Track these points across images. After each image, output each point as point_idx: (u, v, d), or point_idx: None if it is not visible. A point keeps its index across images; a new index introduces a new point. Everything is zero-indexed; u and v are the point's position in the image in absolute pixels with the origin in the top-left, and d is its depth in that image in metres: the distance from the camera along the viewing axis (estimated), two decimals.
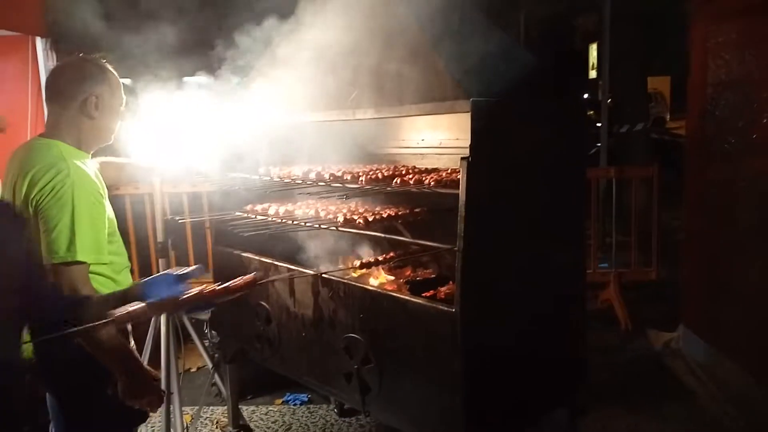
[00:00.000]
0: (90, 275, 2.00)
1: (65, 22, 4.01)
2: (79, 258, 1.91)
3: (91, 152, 2.16)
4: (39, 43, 4.35)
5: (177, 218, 3.34)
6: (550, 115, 2.77)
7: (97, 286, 2.03)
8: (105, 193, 2.11)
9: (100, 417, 2.05)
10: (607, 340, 4.58)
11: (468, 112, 2.35)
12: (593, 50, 12.78)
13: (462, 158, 2.37)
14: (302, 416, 3.68)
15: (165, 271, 2.04)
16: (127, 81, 3.07)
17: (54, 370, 2.01)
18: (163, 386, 3.09)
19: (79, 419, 2.05)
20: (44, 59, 4.31)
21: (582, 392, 3.15)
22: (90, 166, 2.10)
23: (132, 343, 2.20)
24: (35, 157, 1.99)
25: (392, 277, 3.28)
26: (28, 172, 1.96)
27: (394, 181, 2.84)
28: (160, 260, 3.26)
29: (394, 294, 2.68)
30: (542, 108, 2.72)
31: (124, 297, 1.84)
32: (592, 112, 9.09)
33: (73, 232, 1.90)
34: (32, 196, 1.94)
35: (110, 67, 2.16)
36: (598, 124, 6.81)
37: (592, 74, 12.85)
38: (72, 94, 2.05)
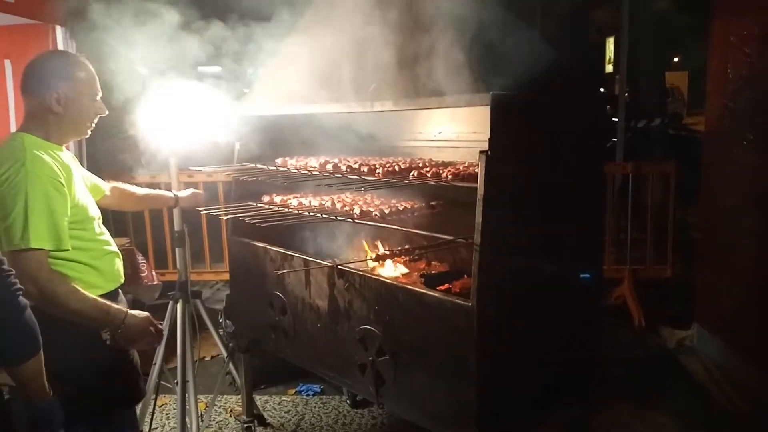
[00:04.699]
0: (63, 261, 2.04)
1: (82, 11, 4.04)
2: (33, 245, 1.93)
3: (64, 143, 2.20)
4: (59, 32, 4.36)
5: (201, 210, 3.36)
6: (568, 109, 2.75)
7: (72, 273, 2.07)
8: (74, 181, 2.12)
9: (93, 399, 2.07)
10: (620, 337, 4.56)
11: (487, 105, 2.34)
12: (610, 44, 12.67)
13: (480, 151, 2.36)
14: (315, 407, 3.70)
15: None
16: (143, 70, 3.09)
17: (46, 354, 2.00)
18: (178, 375, 3.12)
19: (72, 401, 2.02)
20: (64, 48, 4.33)
21: (595, 388, 3.15)
22: (62, 156, 2.12)
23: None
24: (3, 151, 2.04)
25: (407, 270, 3.29)
26: None
27: (411, 173, 2.84)
28: (176, 249, 3.27)
29: (410, 287, 2.69)
30: (560, 102, 2.71)
31: None
32: (608, 107, 9.04)
33: (27, 220, 1.93)
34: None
35: (81, 62, 2.18)
36: (615, 119, 6.76)
37: (609, 69, 12.75)
38: (37, 89, 2.10)
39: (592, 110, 3.05)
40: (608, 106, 8.59)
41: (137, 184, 4.03)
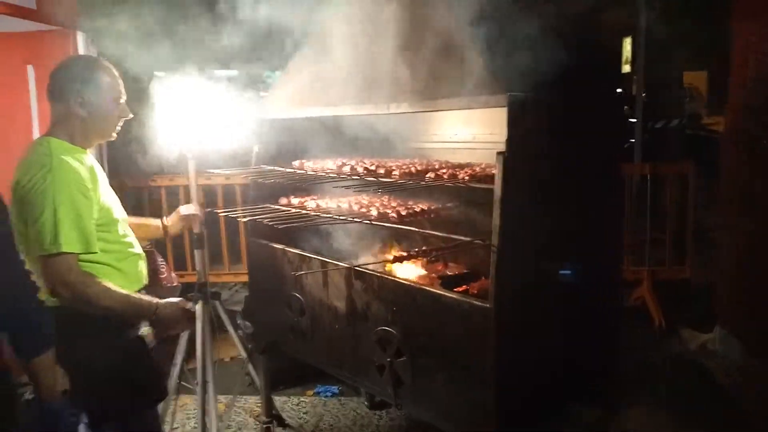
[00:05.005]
0: (89, 264, 2.08)
1: (100, 17, 4.10)
2: (64, 249, 1.98)
3: (89, 147, 2.24)
4: (80, 37, 4.43)
5: (216, 211, 3.39)
6: (586, 110, 2.75)
7: (97, 274, 2.11)
8: (99, 184, 2.17)
9: (122, 397, 2.14)
10: (640, 339, 4.52)
11: (504, 106, 2.35)
12: (627, 44, 12.56)
13: (498, 153, 2.37)
14: (333, 408, 3.72)
15: None
16: (160, 73, 3.13)
17: (75, 355, 2.05)
18: (198, 375, 3.15)
19: (100, 401, 2.09)
20: (85, 53, 4.40)
21: (613, 390, 3.13)
22: (86, 160, 2.17)
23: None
24: (26, 155, 2.10)
25: (425, 272, 3.29)
26: (17, 170, 2.08)
27: (428, 175, 2.85)
28: (195, 251, 3.30)
29: (428, 288, 2.69)
30: (578, 102, 2.70)
31: None
32: (626, 108, 8.97)
33: (56, 225, 1.97)
34: (17, 192, 2.04)
35: (105, 66, 2.23)
36: (632, 120, 6.71)
37: (625, 68, 12.64)
38: (62, 94, 2.16)
39: (610, 111, 3.04)
40: (626, 107, 8.52)
41: (156, 187, 4.07)
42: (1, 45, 4.39)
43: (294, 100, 3.40)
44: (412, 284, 2.79)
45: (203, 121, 3.13)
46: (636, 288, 5.08)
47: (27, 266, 1.93)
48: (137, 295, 2.19)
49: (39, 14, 4.09)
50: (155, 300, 2.21)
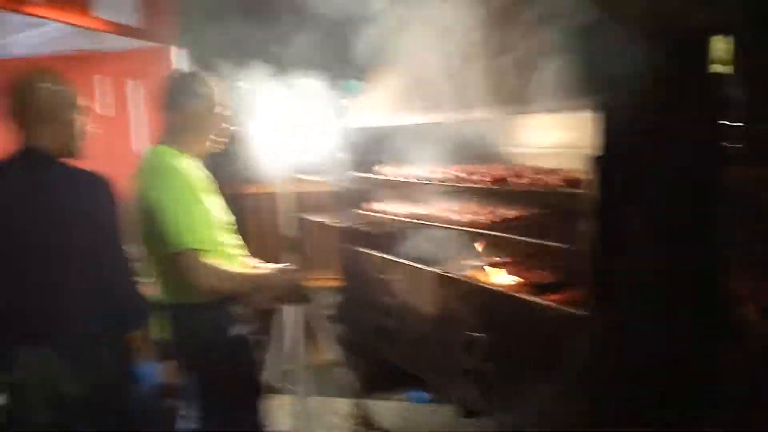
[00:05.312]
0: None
1: (197, 31, 4.30)
2: (189, 246, 2.14)
3: (197, 155, 2.38)
4: (177, 53, 4.67)
5: (310, 217, 3.47)
6: (681, 112, 2.62)
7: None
8: (207, 189, 2.32)
9: (234, 390, 2.31)
10: (744, 355, 4.24)
11: (595, 110, 2.28)
12: (718, 42, 11.87)
13: (592, 157, 2.30)
14: (424, 414, 3.71)
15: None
16: (248, 84, 3.24)
17: (192, 350, 2.27)
18: (291, 378, 3.24)
19: (215, 395, 2.29)
20: (182, 67, 4.63)
21: (714, 406, 2.95)
22: (194, 166, 2.32)
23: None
24: (143, 163, 2.28)
25: (517, 278, 3.23)
26: (137, 176, 2.26)
27: (518, 180, 2.80)
28: (287, 257, 3.38)
29: (520, 295, 2.65)
30: (672, 104, 2.58)
31: None
32: (724, 110, 8.46)
33: (178, 225, 2.13)
34: (137, 200, 2.22)
35: (208, 80, 2.37)
36: (735, 123, 6.32)
37: (719, 69, 11.93)
38: (170, 106, 2.32)
39: (708, 113, 2.88)
40: (723, 109, 8.05)
41: (245, 195, 4.18)
42: (105, 62, 4.71)
43: (384, 107, 3.43)
44: (504, 290, 2.75)
45: (293, 129, 3.23)
46: (744, 301, 4.78)
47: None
48: (252, 273, 2.41)
49: (141, 32, 4.34)
50: (266, 271, 2.44)
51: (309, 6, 3.14)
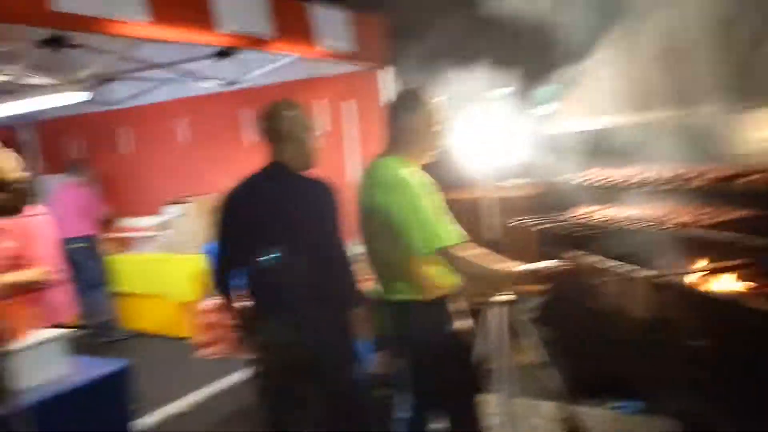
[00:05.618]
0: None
1: (407, 52, 4.62)
2: (452, 242, 2.32)
3: (420, 162, 2.56)
4: (385, 74, 5.07)
5: (524, 221, 3.55)
6: None
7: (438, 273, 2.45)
8: (434, 192, 2.49)
9: (453, 384, 2.49)
10: None
11: None
12: None
13: None
14: (636, 425, 3.57)
15: None
16: (445, 99, 3.41)
17: (418, 342, 2.47)
18: (498, 377, 3.33)
19: (436, 387, 2.50)
20: (389, 87, 5.02)
21: None
22: (420, 172, 2.50)
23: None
24: (373, 173, 2.52)
25: (740, 284, 3.00)
26: (364, 185, 2.52)
27: (738, 181, 2.62)
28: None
29: (751, 304, 2.49)
30: None
31: None
32: None
33: (434, 225, 2.32)
34: (371, 204, 2.46)
35: (427, 97, 2.56)
36: None
37: None
38: (396, 120, 2.54)
39: None
40: None
41: (452, 201, 4.34)
42: (321, 86, 5.32)
43: (588, 110, 3.41)
44: (730, 297, 2.59)
45: (490, 138, 3.34)
46: None
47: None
48: (495, 266, 2.47)
49: (356, 56, 4.79)
50: (506, 267, 2.50)
51: (509, 14, 3.25)
